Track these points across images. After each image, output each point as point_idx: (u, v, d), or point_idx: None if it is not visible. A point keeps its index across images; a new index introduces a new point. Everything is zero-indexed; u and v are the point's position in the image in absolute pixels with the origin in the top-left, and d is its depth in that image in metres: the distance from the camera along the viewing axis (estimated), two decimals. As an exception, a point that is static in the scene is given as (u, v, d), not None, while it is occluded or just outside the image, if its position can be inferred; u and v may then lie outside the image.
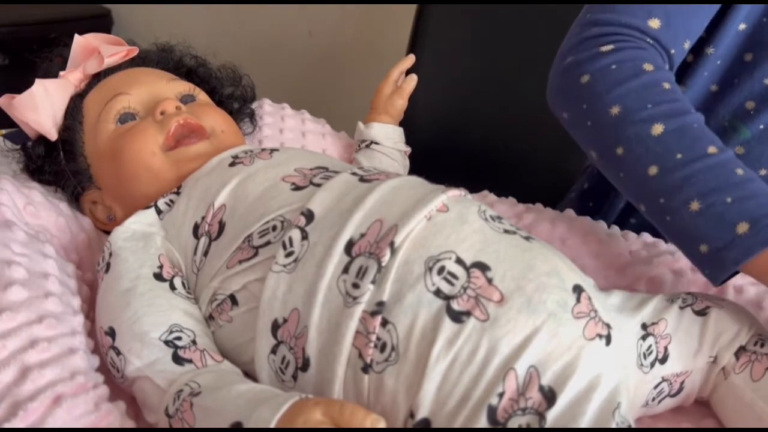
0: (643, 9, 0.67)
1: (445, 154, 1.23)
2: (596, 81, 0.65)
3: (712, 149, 0.60)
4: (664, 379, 0.58)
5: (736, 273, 0.58)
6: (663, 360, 0.58)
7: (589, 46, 0.67)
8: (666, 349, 0.58)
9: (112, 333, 0.58)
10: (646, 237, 0.78)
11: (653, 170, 0.61)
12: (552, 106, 0.71)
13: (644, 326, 0.58)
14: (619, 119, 0.63)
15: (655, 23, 0.67)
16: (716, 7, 0.70)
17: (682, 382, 0.59)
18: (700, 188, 0.58)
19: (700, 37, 0.74)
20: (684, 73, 0.77)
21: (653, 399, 0.59)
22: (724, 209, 0.57)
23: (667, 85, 0.64)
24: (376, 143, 0.92)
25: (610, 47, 0.66)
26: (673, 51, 0.68)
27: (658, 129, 0.61)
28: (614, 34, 0.67)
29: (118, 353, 0.57)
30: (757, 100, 0.74)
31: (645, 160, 0.61)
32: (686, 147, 0.60)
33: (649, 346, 0.57)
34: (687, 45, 0.69)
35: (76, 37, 0.79)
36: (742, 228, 0.56)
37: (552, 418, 0.48)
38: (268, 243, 0.58)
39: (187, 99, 0.77)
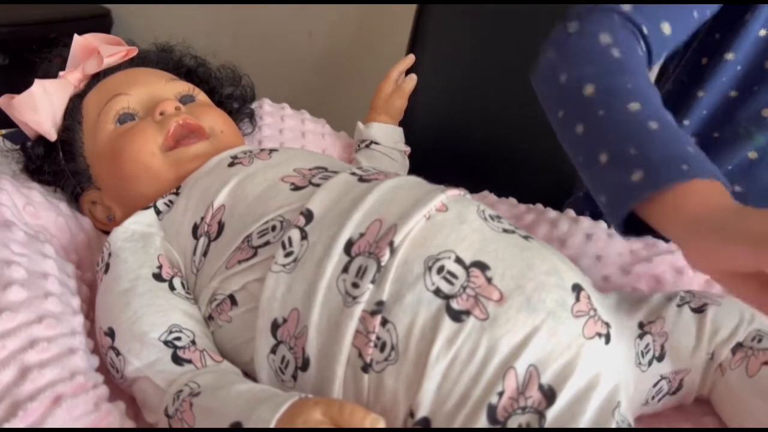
0: None
1: (444, 154, 1.23)
2: (556, 54, 0.68)
3: (633, 105, 0.59)
4: (662, 377, 0.58)
5: (649, 229, 0.56)
6: (660, 358, 0.58)
7: (560, 28, 0.70)
8: (663, 347, 0.58)
9: (111, 333, 0.58)
10: (647, 236, 0.78)
11: (580, 128, 0.61)
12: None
13: (641, 325, 0.58)
14: (563, 85, 0.64)
15: (627, 7, 0.67)
16: (702, 8, 0.69)
17: (681, 380, 0.59)
18: (610, 141, 0.58)
19: (716, 41, 0.74)
20: (701, 77, 0.77)
21: (653, 397, 0.59)
22: (626, 159, 0.56)
23: (616, 53, 0.64)
24: (376, 143, 0.92)
25: (575, 25, 0.68)
26: (645, 30, 0.67)
27: (589, 89, 0.62)
28: (582, 15, 0.69)
29: (118, 353, 0.57)
30: None
31: (575, 119, 0.62)
32: (609, 104, 0.60)
33: (647, 345, 0.57)
34: (666, 28, 0.68)
35: (76, 37, 0.79)
36: (637, 175, 0.54)
37: (552, 417, 0.48)
38: (267, 243, 0.58)
39: (186, 99, 0.77)
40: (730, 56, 0.74)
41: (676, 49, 0.72)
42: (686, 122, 0.79)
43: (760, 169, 0.76)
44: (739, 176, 0.78)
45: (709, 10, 0.70)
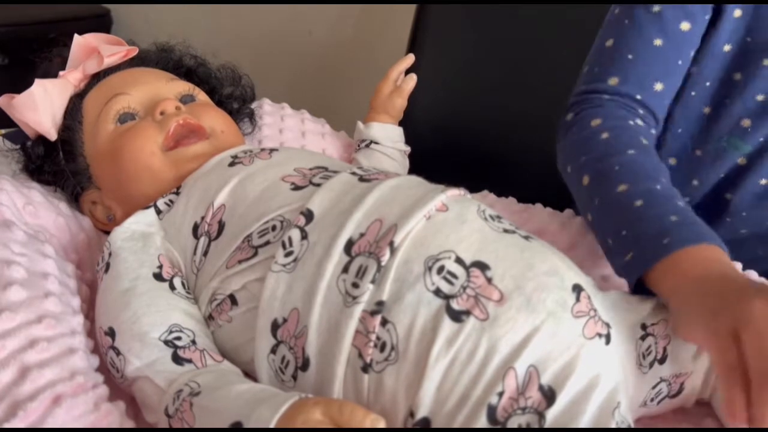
0: (603, 72, 0.76)
1: (444, 153, 1.23)
2: (561, 146, 0.76)
3: (621, 187, 0.64)
4: (662, 380, 0.58)
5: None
6: (662, 360, 0.57)
7: (564, 119, 0.78)
8: (665, 349, 0.58)
9: (111, 333, 0.58)
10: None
11: (589, 217, 0.68)
12: None
13: (644, 326, 0.58)
14: (570, 176, 0.72)
15: (613, 81, 0.75)
16: (682, 47, 0.75)
17: (682, 383, 0.59)
18: (609, 227, 0.65)
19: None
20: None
21: (651, 399, 0.58)
22: (622, 240, 0.62)
23: (605, 135, 0.70)
24: (376, 143, 0.92)
25: (571, 116, 0.76)
26: (639, 96, 0.74)
27: (585, 179, 0.69)
28: (576, 103, 0.77)
29: (118, 353, 0.57)
30: (753, 116, 0.75)
31: (583, 207, 0.70)
32: (601, 192, 0.67)
33: (649, 347, 0.57)
34: (659, 86, 0.74)
35: (76, 37, 0.79)
36: (629, 256, 0.61)
37: (552, 417, 0.48)
38: (267, 243, 0.58)
39: (186, 99, 0.77)
40: (694, 69, 0.76)
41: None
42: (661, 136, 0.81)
43: (750, 174, 0.77)
44: (730, 183, 0.79)
45: (693, 50, 0.75)
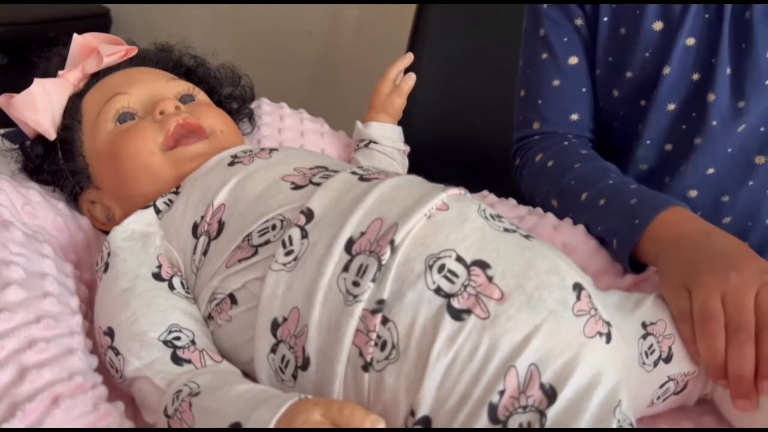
0: (525, 120, 0.89)
1: (444, 153, 1.23)
2: (524, 186, 0.88)
3: (583, 196, 0.76)
4: (670, 379, 0.58)
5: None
6: (668, 359, 0.57)
7: (514, 165, 0.91)
8: (670, 348, 0.57)
9: (110, 333, 0.58)
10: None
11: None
12: None
13: (644, 325, 0.58)
14: (541, 205, 0.82)
15: (536, 125, 0.88)
16: (578, 78, 0.86)
17: (687, 382, 0.59)
18: (592, 228, 0.74)
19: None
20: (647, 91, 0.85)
21: (659, 398, 0.58)
22: (604, 235, 0.73)
23: (550, 163, 0.83)
24: (375, 142, 0.92)
25: (518, 161, 0.90)
26: (561, 130, 0.86)
27: (554, 203, 0.81)
28: (517, 150, 0.91)
29: (117, 353, 0.57)
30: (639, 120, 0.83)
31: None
32: (570, 205, 0.78)
33: (651, 345, 0.57)
34: (575, 116, 0.86)
35: (75, 36, 0.79)
36: (615, 245, 0.71)
37: (553, 415, 0.48)
38: (267, 242, 0.58)
39: (186, 99, 0.77)
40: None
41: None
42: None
43: (651, 179, 0.83)
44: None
45: (587, 77, 0.86)
